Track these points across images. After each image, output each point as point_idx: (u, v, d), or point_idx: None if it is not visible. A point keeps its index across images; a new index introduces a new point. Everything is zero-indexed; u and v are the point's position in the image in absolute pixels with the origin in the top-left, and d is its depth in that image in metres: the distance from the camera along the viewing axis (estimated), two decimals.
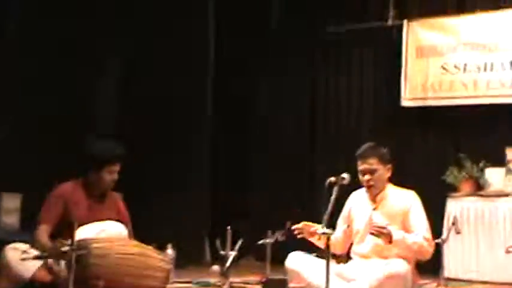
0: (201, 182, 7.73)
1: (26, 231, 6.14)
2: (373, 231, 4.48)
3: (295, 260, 4.76)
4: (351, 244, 4.96)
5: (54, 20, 7.01)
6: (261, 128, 9.07)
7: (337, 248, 4.90)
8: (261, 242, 5.96)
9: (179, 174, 7.51)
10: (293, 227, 4.88)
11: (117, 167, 4.83)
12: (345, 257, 5.07)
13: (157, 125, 7.47)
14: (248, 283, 5.52)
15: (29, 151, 6.94)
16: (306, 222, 4.84)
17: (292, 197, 8.75)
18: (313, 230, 4.73)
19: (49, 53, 6.95)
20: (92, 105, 7.61)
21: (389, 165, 4.84)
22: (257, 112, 9.13)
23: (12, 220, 6.89)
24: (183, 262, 6.14)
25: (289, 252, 4.94)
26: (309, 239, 4.82)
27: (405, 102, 8.06)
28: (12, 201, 6.93)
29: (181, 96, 7.57)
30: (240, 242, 5.28)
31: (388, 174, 4.85)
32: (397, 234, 4.51)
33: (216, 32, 7.90)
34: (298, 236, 4.82)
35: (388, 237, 4.48)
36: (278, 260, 5.90)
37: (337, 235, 4.86)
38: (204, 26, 7.75)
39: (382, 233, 4.46)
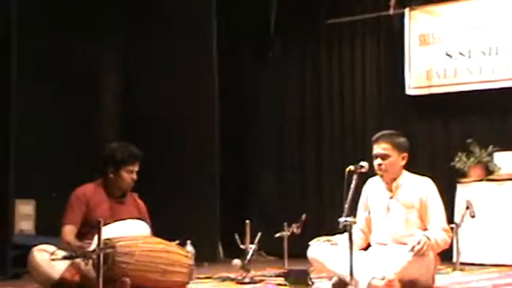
0: (211, 181, 7.73)
1: (41, 236, 6.22)
2: (417, 253, 4.44)
3: (317, 250, 4.77)
4: None
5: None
6: (264, 122, 9.12)
7: (365, 240, 4.95)
8: (278, 234, 6.02)
9: (189, 174, 7.53)
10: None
11: (135, 167, 4.88)
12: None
13: (167, 126, 7.51)
14: (268, 276, 5.55)
15: (41, 157, 7.00)
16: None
17: (303, 190, 8.81)
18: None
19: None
20: (98, 114, 7.70)
21: (404, 154, 4.86)
22: (260, 112, 9.17)
23: (28, 226, 6.93)
24: (198, 260, 6.16)
25: (303, 245, 4.97)
26: None
27: (410, 90, 8.11)
28: (27, 207, 6.97)
29: (188, 97, 7.60)
30: (259, 235, 5.32)
31: (403, 163, 4.88)
32: (431, 240, 4.53)
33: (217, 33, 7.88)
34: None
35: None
36: (291, 254, 5.97)
37: (360, 224, 4.89)
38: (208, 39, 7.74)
39: (425, 250, 4.45)
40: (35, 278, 4.51)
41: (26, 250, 4.84)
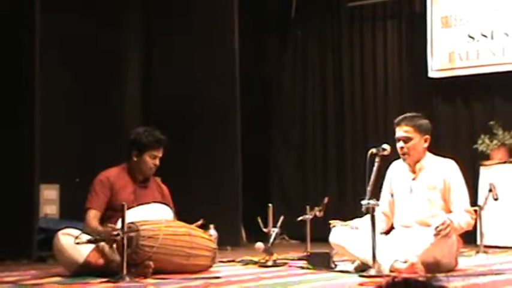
0: (233, 165, 7.73)
1: (65, 220, 6.28)
2: (440, 234, 4.43)
3: (339, 234, 4.79)
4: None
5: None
6: (286, 105, 9.12)
7: (387, 223, 4.95)
8: (300, 218, 6.02)
9: (211, 158, 7.55)
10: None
11: (159, 153, 4.90)
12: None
13: (186, 111, 7.54)
14: (291, 259, 5.57)
15: (65, 143, 7.06)
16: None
17: (325, 174, 8.81)
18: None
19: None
20: (121, 100, 7.77)
21: (426, 136, 4.86)
22: (282, 95, 9.17)
23: (52, 210, 7.01)
24: (221, 243, 6.19)
25: (325, 228, 4.99)
26: None
27: (432, 73, 8.06)
28: (51, 192, 7.04)
29: (209, 79, 7.61)
30: (281, 219, 5.34)
31: (425, 145, 4.87)
32: (454, 223, 4.52)
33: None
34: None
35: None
36: (313, 237, 5.98)
37: (384, 208, 4.90)
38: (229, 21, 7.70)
39: (448, 231, 4.44)
40: (59, 262, 4.57)
41: (50, 234, 4.92)
